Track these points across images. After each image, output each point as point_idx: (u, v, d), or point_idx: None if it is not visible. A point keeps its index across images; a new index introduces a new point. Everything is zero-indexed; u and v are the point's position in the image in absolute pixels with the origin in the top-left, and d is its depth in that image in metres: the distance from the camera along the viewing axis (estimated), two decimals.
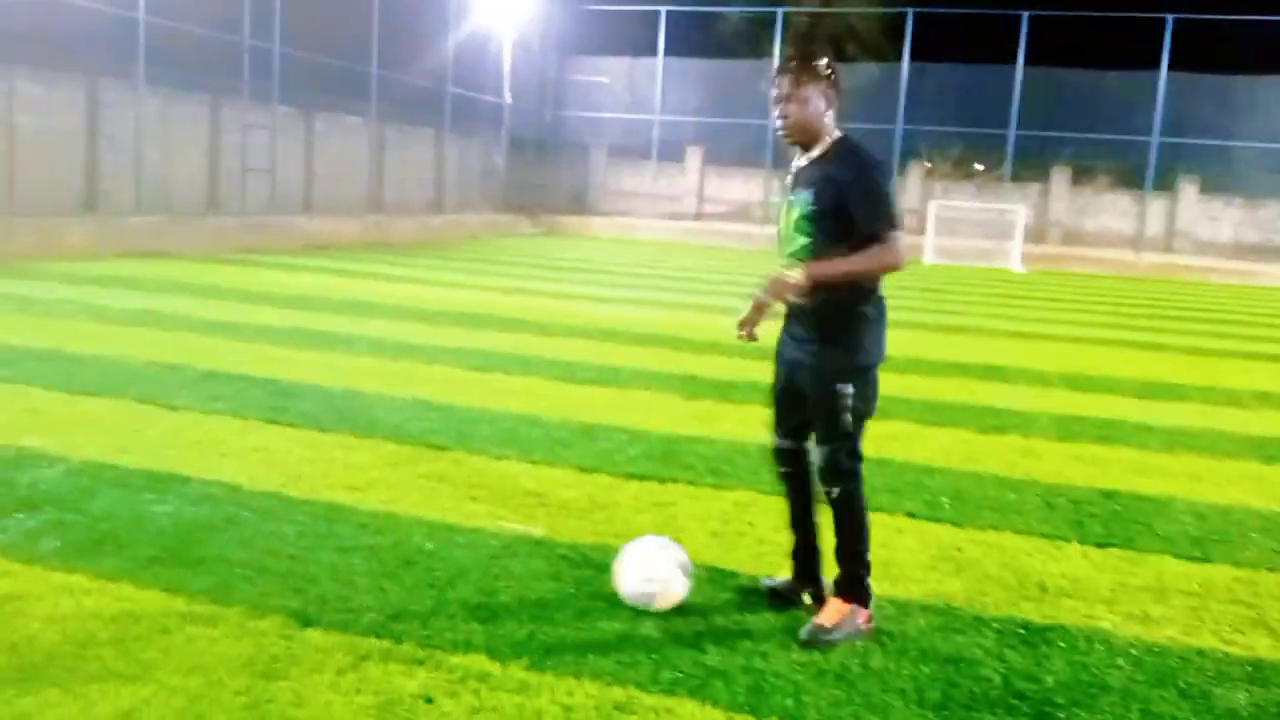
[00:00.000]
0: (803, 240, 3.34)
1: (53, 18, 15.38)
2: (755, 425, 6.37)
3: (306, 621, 3.29)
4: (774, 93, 3.32)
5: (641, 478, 5.13)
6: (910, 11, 29.64)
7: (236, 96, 19.18)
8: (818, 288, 3.26)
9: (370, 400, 6.55)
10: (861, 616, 3.41)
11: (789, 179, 3.46)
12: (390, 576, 3.70)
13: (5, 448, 5.02)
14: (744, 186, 32.88)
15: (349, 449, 5.40)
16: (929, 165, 31.03)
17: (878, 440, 6.08)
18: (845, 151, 3.32)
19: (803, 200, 3.31)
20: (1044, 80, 29.33)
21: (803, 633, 3.35)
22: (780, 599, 3.64)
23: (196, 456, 5.10)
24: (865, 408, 3.39)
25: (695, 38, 33.11)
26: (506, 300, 12.71)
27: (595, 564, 3.90)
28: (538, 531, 4.25)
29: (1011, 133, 29.54)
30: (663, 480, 5.11)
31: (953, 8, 28.98)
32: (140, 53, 16.63)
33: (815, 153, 3.35)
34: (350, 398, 6.59)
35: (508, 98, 30.82)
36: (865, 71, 31.47)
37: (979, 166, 31.28)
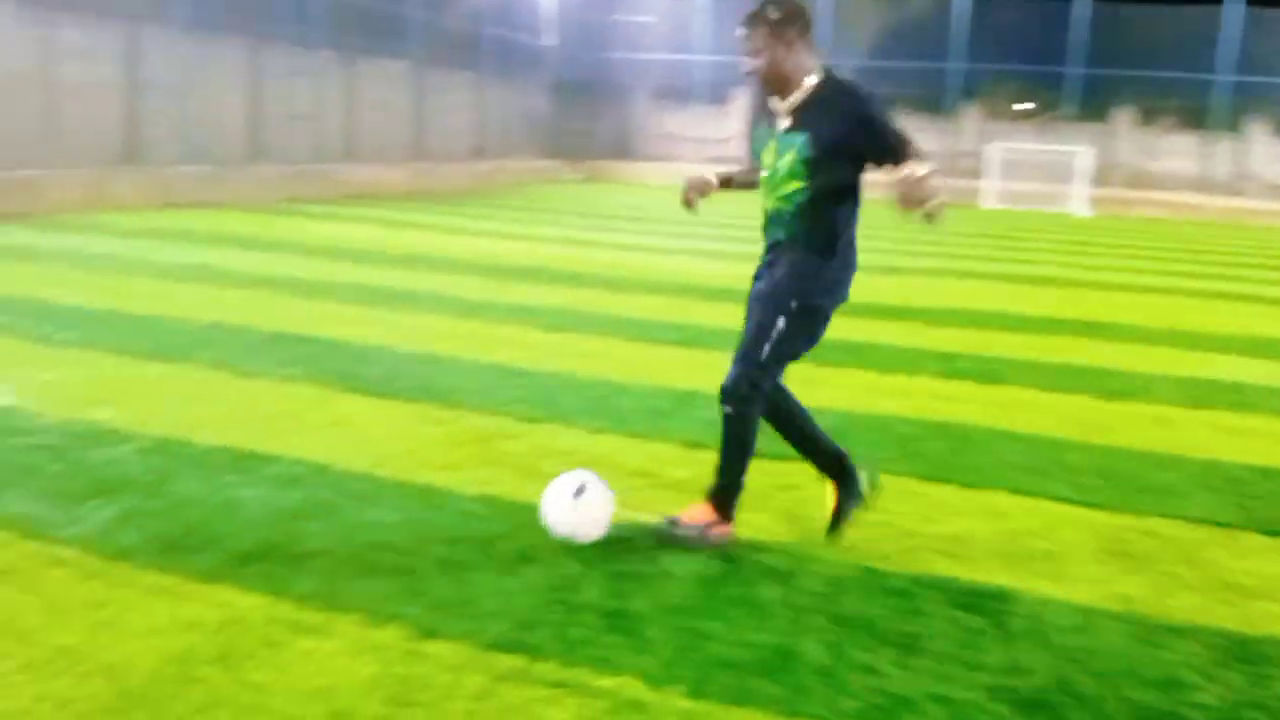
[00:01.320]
0: (796, 184, 3.32)
1: None
2: (864, 393, 5.96)
3: (429, 632, 2.92)
4: (740, 41, 3.30)
5: (756, 454, 4.70)
6: None
7: (277, 41, 18.71)
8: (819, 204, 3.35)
9: (446, 366, 6.18)
10: (719, 529, 3.57)
11: (774, 119, 3.39)
12: (509, 574, 3.33)
13: (74, 422, 4.69)
14: None
15: (435, 422, 5.04)
16: (987, 104, 29.98)
17: (999, 409, 5.69)
18: (834, 92, 3.28)
19: (798, 145, 3.26)
20: (1107, 15, 28.13)
21: (662, 526, 3.59)
22: (840, 517, 3.71)
23: (276, 431, 4.75)
24: (792, 346, 3.48)
25: None
26: (563, 252, 12.30)
27: (731, 559, 3.51)
28: (657, 521, 3.86)
29: (1073, 70, 28.42)
30: (775, 458, 4.68)
31: None
32: None
33: (798, 97, 3.30)
34: (425, 363, 6.22)
35: (549, 39, 30.03)
36: (914, 4, 30.40)
37: (1031, 106, 30.16)
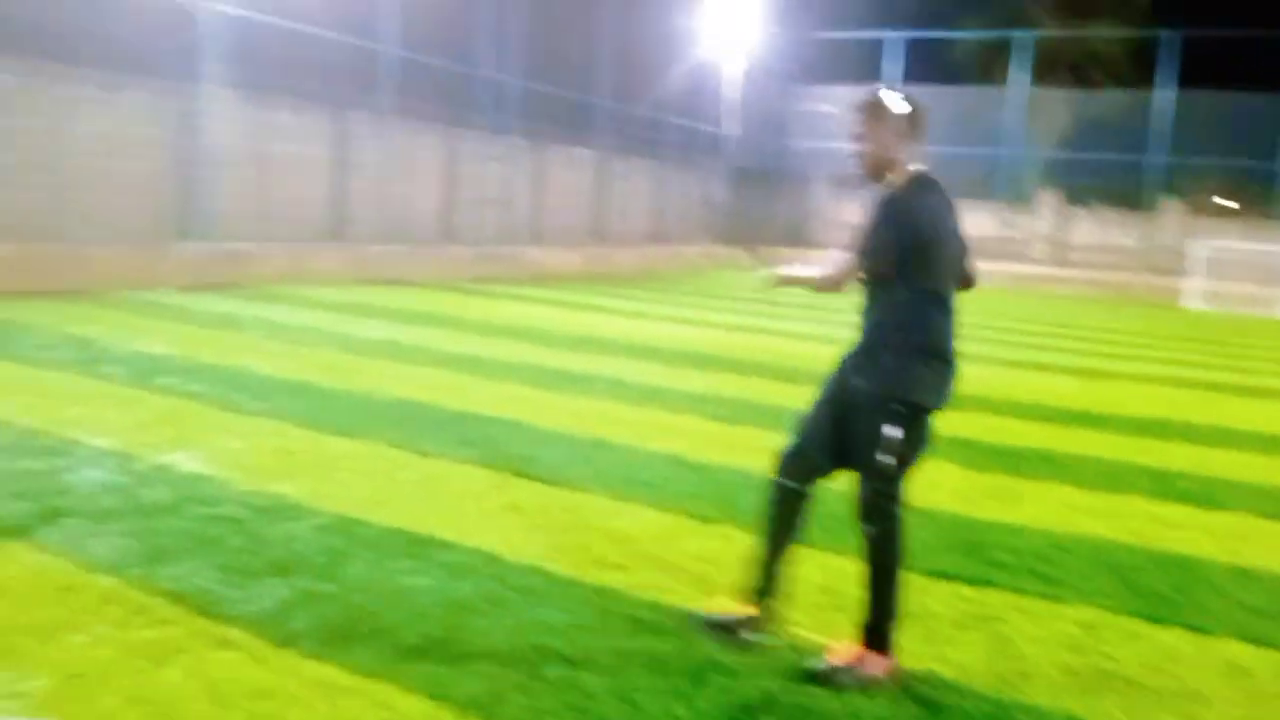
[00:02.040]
0: (860, 273, 3.38)
1: (303, 49, 16.02)
2: (1069, 511, 5.44)
3: None
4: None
5: (948, 576, 4.31)
6: (1166, 34, 27.28)
7: (471, 127, 19.62)
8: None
9: (622, 454, 6.04)
10: (879, 665, 3.26)
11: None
12: (680, 698, 3.08)
13: (257, 494, 4.77)
14: (972, 221, 31.11)
15: (608, 514, 4.87)
16: (1189, 200, 28.33)
17: (1225, 539, 5.05)
18: (921, 188, 3.30)
19: (864, 236, 3.33)
20: None
21: (818, 667, 3.26)
22: (730, 631, 3.47)
23: (452, 515, 4.69)
24: (911, 452, 3.29)
25: (927, 64, 31.76)
26: (740, 340, 12.12)
27: (928, 703, 3.14)
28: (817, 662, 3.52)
29: None
30: (975, 582, 4.28)
31: (1217, 29, 26.43)
32: (383, 84, 17.24)
33: (884, 190, 3.33)
34: (601, 450, 6.10)
35: (729, 128, 30.42)
36: (1110, 98, 29.27)
37: (1235, 205, 28.28)
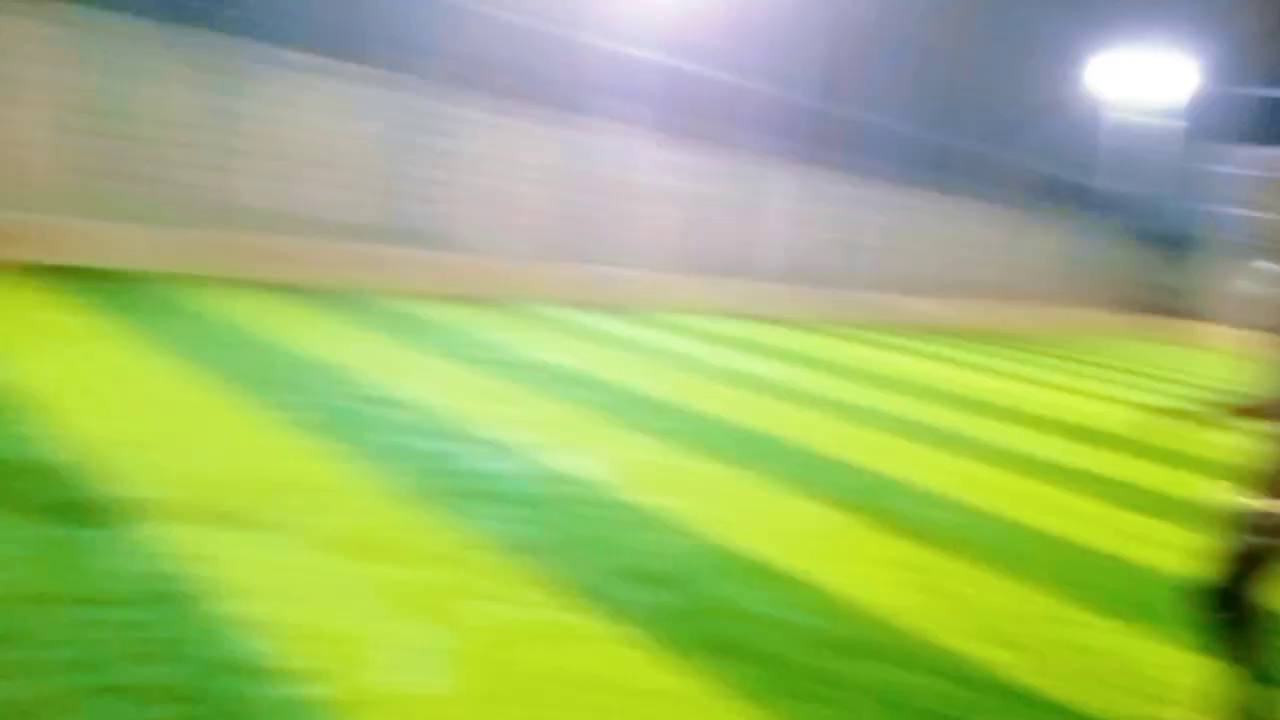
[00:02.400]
0: None
1: (690, 89, 16.69)
2: None
3: None
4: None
5: None
6: None
7: (875, 176, 19.54)
8: None
9: (1007, 529, 5.58)
10: None
11: None
12: None
13: (642, 505, 4.91)
14: None
15: (984, 588, 4.48)
16: None
17: None
18: None
19: None
20: None
21: None
22: None
23: (817, 557, 4.54)
24: None
25: None
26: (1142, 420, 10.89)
27: None
28: None
29: None
30: None
31: None
32: (801, 135, 17.65)
33: None
34: (987, 522, 5.67)
35: (1138, 187, 27.88)
36: None
37: None
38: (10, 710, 2.49)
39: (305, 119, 12.23)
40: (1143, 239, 29.02)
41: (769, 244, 18.60)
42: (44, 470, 4.22)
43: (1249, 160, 29.17)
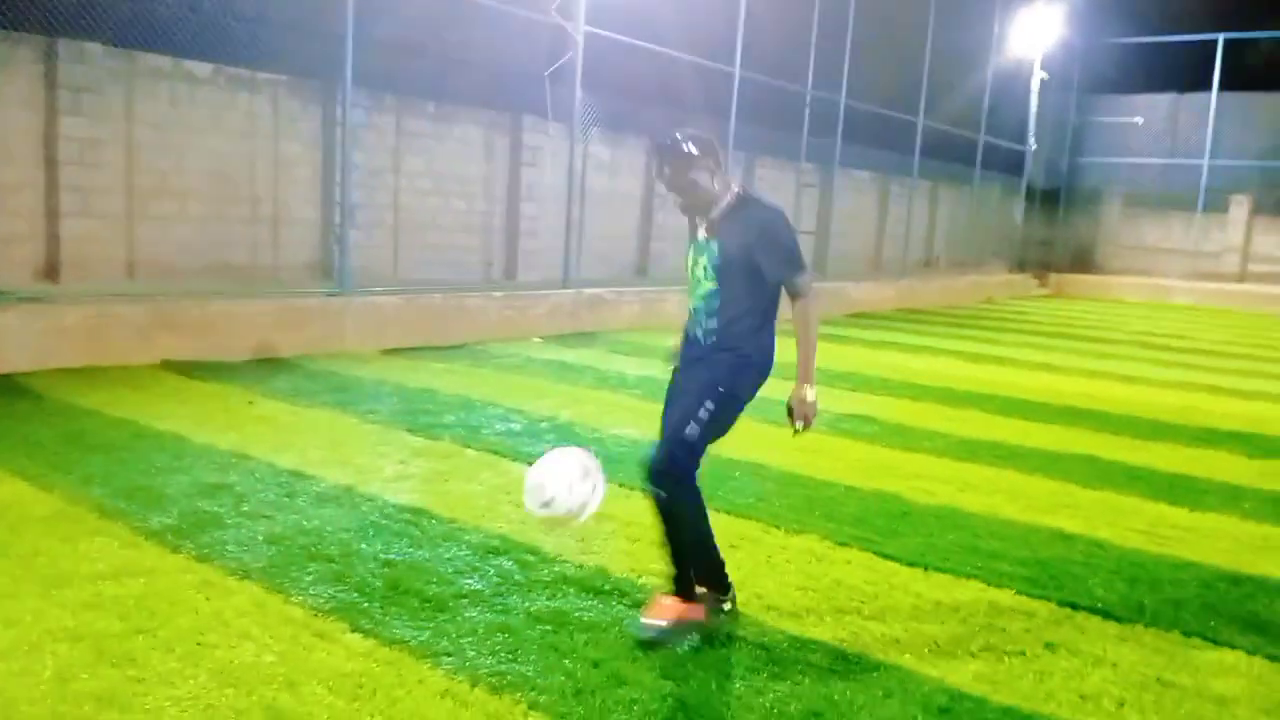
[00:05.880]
0: (710, 286, 3.71)
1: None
2: None
3: None
4: (659, 178, 3.77)
5: None
6: None
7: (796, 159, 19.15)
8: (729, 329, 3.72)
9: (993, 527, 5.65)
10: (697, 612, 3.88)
11: (698, 231, 3.79)
12: None
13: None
14: None
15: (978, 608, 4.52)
16: None
17: None
18: (747, 204, 3.71)
19: (710, 251, 3.68)
20: None
21: (643, 634, 3.73)
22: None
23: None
24: (714, 431, 3.72)
25: (1239, 69, 28.68)
26: (1069, 384, 11.27)
27: None
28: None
29: None
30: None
31: None
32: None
33: (715, 213, 3.72)
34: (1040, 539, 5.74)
35: (1032, 144, 28.67)
36: None
37: None
38: None
39: (195, 143, 10.84)
40: (1031, 197, 29.94)
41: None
42: None
43: (1128, 109, 30.46)
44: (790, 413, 3.71)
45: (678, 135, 3.74)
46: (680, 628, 3.79)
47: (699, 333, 3.79)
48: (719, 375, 3.69)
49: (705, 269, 3.71)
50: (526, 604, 4.12)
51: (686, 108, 15.18)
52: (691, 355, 3.85)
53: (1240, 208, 28.55)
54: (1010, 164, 28.17)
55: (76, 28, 9.55)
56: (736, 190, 3.75)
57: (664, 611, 3.82)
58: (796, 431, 3.73)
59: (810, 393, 3.66)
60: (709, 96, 15.99)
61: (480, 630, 3.85)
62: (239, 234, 11.51)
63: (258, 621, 3.83)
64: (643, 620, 3.80)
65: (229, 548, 4.59)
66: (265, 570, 4.34)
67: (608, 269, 16.17)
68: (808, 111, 18.78)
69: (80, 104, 9.81)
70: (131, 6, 9.91)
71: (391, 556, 4.59)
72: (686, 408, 3.69)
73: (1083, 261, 30.88)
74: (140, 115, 10.45)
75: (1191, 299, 27.26)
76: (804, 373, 3.67)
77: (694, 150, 3.68)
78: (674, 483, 3.69)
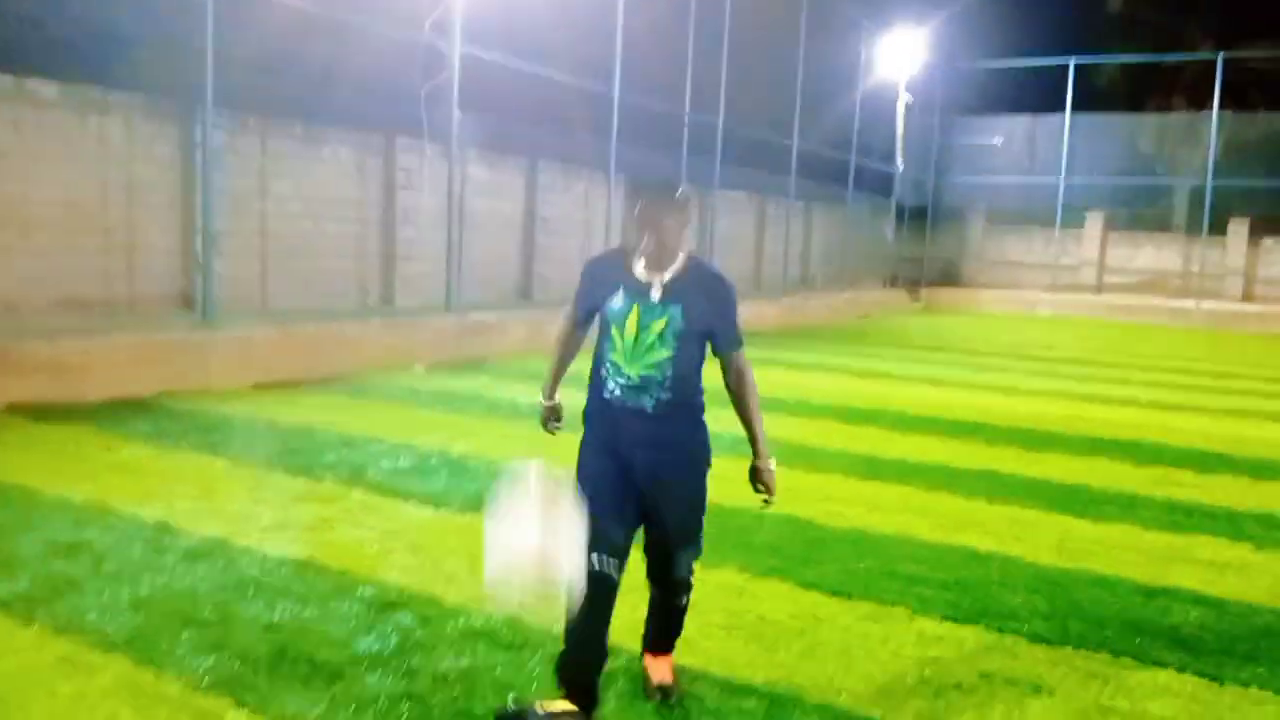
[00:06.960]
0: (666, 353, 3.41)
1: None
2: None
3: None
4: (640, 213, 3.42)
5: None
6: None
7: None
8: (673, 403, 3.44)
9: (911, 547, 5.53)
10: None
11: (646, 287, 3.43)
12: None
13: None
14: (1155, 255, 29.57)
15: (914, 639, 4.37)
16: None
17: None
18: (703, 271, 3.51)
19: (671, 316, 3.40)
20: None
21: (661, 695, 3.55)
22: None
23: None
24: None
25: (1089, 91, 30.33)
26: (955, 398, 11.44)
27: None
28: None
29: None
30: None
31: None
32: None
33: (673, 269, 3.45)
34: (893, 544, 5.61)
35: (900, 164, 29.53)
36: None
37: None
38: None
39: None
40: (901, 215, 30.81)
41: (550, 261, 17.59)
42: None
43: (989, 130, 31.68)
44: (756, 487, 3.56)
45: (675, 182, 3.58)
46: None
47: (646, 402, 3.40)
48: (700, 455, 3.54)
49: (662, 335, 3.38)
50: (432, 665, 3.76)
51: (568, 129, 14.95)
52: (634, 433, 3.43)
53: (1095, 222, 30.03)
54: (880, 184, 28.99)
55: None
56: (690, 254, 3.54)
57: (667, 670, 3.69)
58: (767, 503, 3.57)
59: (773, 463, 3.57)
60: (591, 117, 15.81)
61: (381, 699, 3.47)
62: (91, 265, 10.66)
63: (127, 702, 3.37)
64: (654, 683, 3.64)
65: (90, 616, 4.08)
66: (133, 641, 3.86)
67: (490, 293, 15.76)
68: (685, 133, 18.84)
69: None
70: None
71: (275, 618, 4.15)
72: (690, 515, 3.53)
73: (951, 277, 31.95)
74: None
75: (1053, 310, 28.45)
76: (763, 443, 3.57)
77: (680, 196, 3.49)
78: (690, 591, 3.65)
